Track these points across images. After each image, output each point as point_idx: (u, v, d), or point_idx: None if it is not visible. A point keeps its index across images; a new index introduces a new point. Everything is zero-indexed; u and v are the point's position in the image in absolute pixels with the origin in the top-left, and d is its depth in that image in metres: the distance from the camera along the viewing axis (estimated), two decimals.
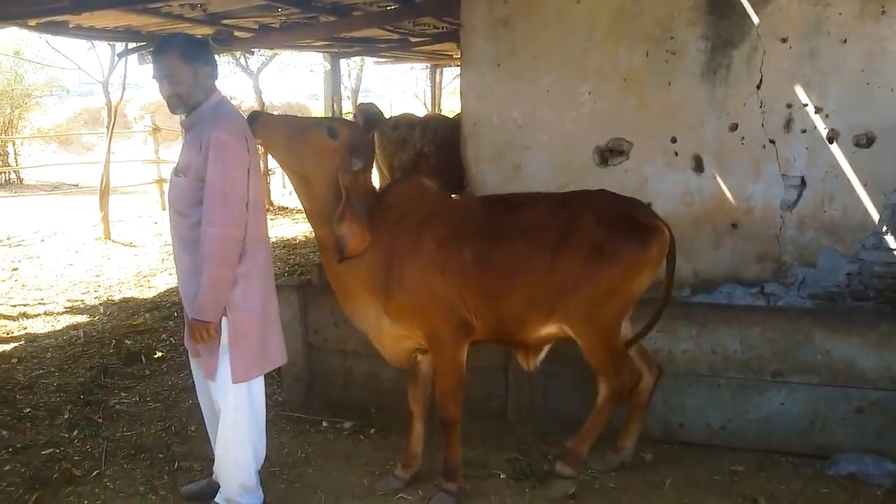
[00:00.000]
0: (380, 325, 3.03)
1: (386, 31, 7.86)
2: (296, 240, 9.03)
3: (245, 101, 19.37)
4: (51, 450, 3.63)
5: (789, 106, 3.79)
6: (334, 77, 11.42)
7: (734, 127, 3.87)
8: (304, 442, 3.69)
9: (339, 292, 3.09)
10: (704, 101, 3.89)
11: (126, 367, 4.78)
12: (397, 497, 3.16)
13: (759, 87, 3.80)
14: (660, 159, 4.01)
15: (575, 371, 3.43)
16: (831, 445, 3.41)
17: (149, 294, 6.70)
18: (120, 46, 7.87)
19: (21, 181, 15.65)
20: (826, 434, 3.43)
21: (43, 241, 9.22)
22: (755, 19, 3.76)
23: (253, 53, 11.63)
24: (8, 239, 9.29)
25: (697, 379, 3.55)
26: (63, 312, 6.15)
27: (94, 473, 3.40)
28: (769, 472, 3.34)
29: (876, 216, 3.77)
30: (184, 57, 2.69)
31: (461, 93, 4.35)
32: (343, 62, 13.41)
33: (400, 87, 24.53)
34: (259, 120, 2.85)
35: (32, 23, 5.41)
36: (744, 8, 3.77)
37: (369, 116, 7.08)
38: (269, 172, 11.87)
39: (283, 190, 12.65)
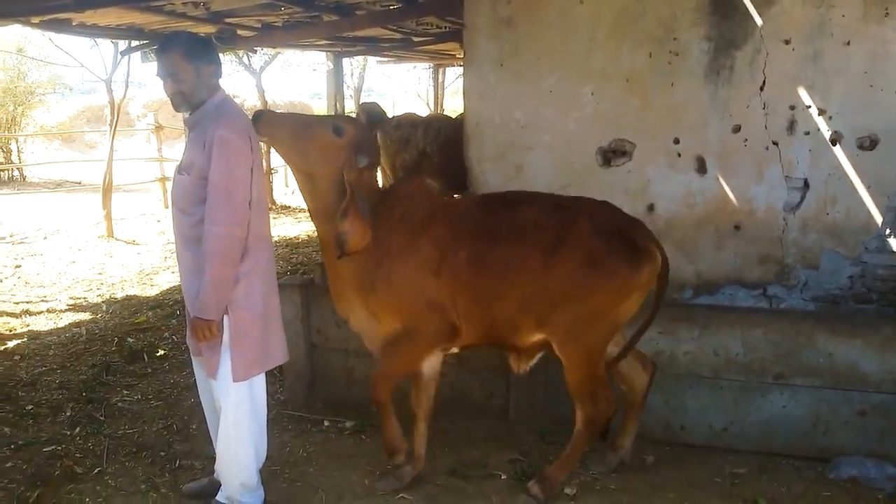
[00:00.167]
0: (372, 327, 3.04)
1: (389, 30, 7.85)
2: (298, 238, 9.04)
3: (248, 99, 19.36)
4: (52, 447, 3.64)
5: (792, 108, 3.78)
6: (337, 76, 11.43)
7: (737, 128, 3.87)
8: (306, 441, 3.69)
9: (335, 293, 3.10)
10: (707, 103, 3.89)
11: (128, 364, 4.79)
12: (398, 497, 3.16)
13: (762, 88, 3.79)
14: (662, 160, 4.01)
15: None
16: (833, 448, 3.40)
17: (151, 292, 6.71)
18: (123, 44, 7.88)
19: (24, 178, 15.63)
20: (828, 437, 3.42)
21: (46, 238, 9.22)
22: (758, 21, 3.76)
23: (256, 52, 11.62)
24: (11, 236, 9.29)
25: (699, 381, 3.54)
26: (66, 310, 6.16)
27: (96, 471, 3.41)
28: (770, 474, 3.33)
29: (879, 219, 3.76)
30: (187, 55, 2.69)
31: (464, 93, 4.36)
32: (346, 61, 13.44)
33: (402, 86, 24.61)
34: (264, 118, 2.86)
35: (36, 20, 5.40)
36: (747, 9, 3.77)
37: (372, 116, 7.06)
38: (272, 171, 11.87)
39: (285, 189, 12.65)
